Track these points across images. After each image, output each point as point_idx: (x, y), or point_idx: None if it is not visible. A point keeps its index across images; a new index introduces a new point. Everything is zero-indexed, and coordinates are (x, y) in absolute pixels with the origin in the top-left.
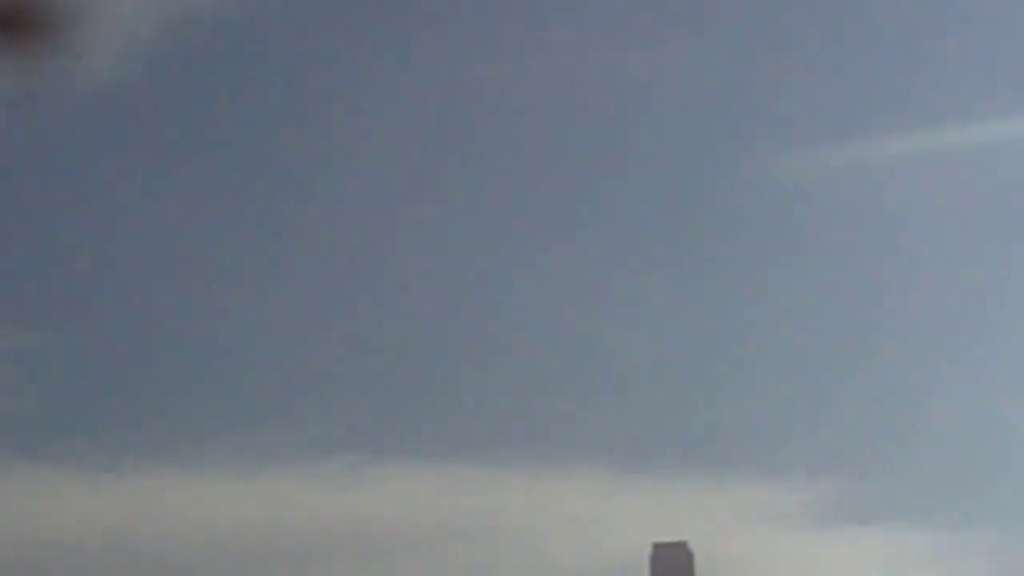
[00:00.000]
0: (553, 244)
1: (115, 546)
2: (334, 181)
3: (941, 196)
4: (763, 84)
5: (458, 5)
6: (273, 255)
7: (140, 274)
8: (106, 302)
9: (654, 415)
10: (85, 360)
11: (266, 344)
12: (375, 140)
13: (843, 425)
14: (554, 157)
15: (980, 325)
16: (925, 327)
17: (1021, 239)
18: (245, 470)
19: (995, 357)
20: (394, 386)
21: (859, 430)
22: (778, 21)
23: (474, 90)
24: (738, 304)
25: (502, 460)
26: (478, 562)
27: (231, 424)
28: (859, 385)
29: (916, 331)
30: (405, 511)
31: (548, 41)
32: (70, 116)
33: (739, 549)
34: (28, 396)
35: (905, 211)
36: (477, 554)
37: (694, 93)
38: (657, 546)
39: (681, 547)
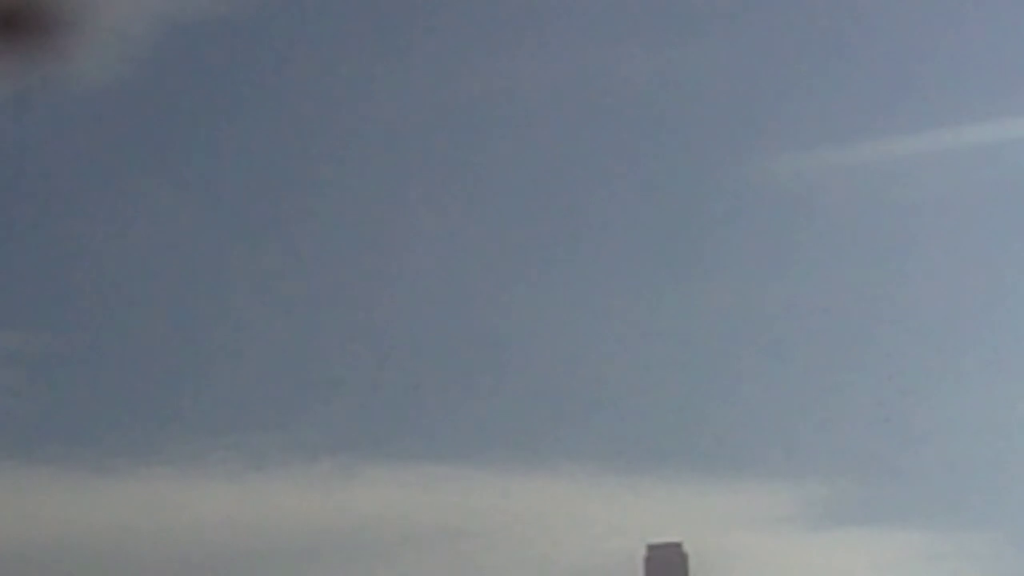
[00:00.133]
0: (551, 246)
1: (108, 548)
2: (332, 183)
3: (946, 196)
4: (763, 86)
5: (463, 4)
6: (267, 258)
7: (135, 276)
8: (100, 304)
9: (649, 417)
10: (78, 362)
11: (260, 346)
12: (376, 141)
13: (838, 427)
14: (554, 159)
15: (980, 326)
16: (922, 329)
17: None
18: (238, 471)
19: (993, 358)
20: (387, 387)
21: (855, 432)
22: (779, 22)
23: (474, 93)
24: (734, 306)
25: (495, 461)
26: (471, 563)
27: (225, 426)
28: (855, 387)
29: (912, 333)
30: (398, 512)
31: (546, 43)
32: (66, 118)
33: (734, 550)
34: (21, 398)
35: (908, 212)
36: (470, 555)
37: (693, 95)
38: (651, 547)
39: (675, 548)
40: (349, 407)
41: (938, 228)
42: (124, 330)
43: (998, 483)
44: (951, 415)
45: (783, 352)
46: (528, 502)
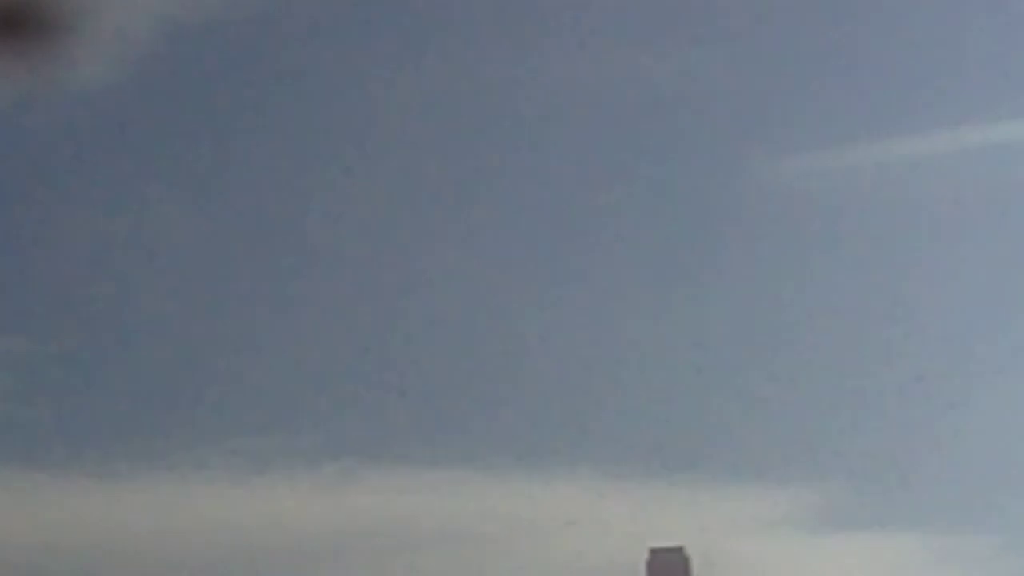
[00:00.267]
0: (556, 249)
1: (111, 552)
2: (338, 185)
3: (952, 198)
4: (768, 87)
5: (466, 5)
6: (271, 261)
7: (135, 280)
8: (103, 309)
9: (650, 421)
10: (80, 367)
11: (264, 350)
12: (384, 142)
13: (841, 431)
14: (561, 161)
15: (985, 329)
16: (927, 331)
17: None
18: (241, 476)
19: (997, 361)
20: (389, 391)
21: (858, 435)
22: (785, 24)
23: (479, 95)
24: (738, 308)
25: (497, 465)
26: (473, 566)
27: (227, 430)
28: (858, 390)
29: (917, 336)
30: (400, 517)
31: (553, 46)
32: (67, 120)
33: (736, 554)
34: (21, 402)
35: (914, 214)
36: (472, 558)
37: (701, 97)
38: (654, 551)
39: (678, 552)
40: (353, 412)
41: (947, 229)
42: (127, 335)
43: (1000, 487)
44: (953, 418)
45: (786, 356)
46: (530, 506)
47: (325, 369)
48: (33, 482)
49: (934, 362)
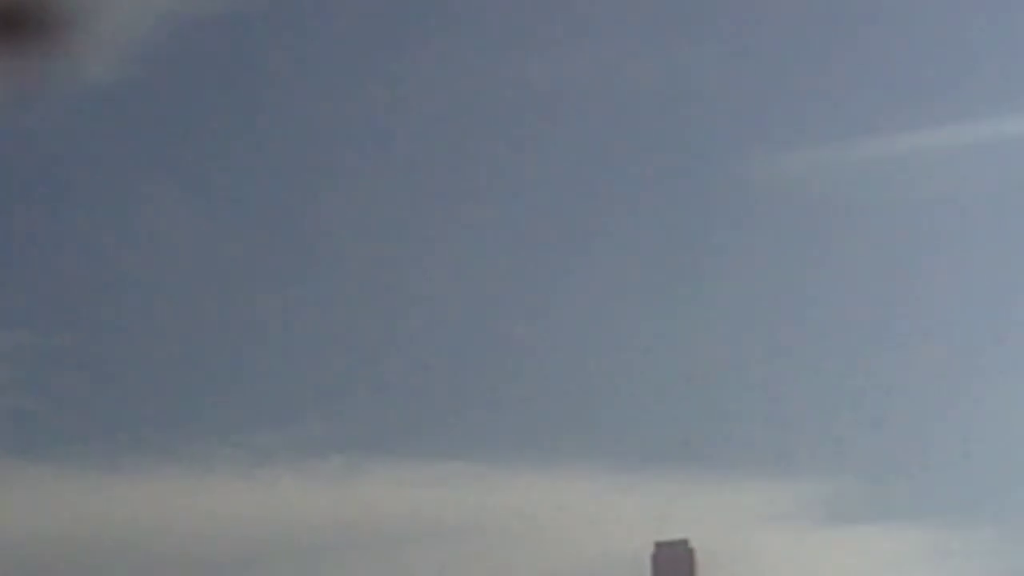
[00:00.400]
0: (558, 245)
1: (115, 545)
2: (344, 181)
3: (956, 193)
4: (765, 83)
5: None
6: (275, 256)
7: (139, 274)
8: (108, 303)
9: (655, 414)
10: (85, 360)
11: (268, 343)
12: (389, 139)
13: (845, 424)
14: (562, 158)
15: (989, 325)
16: (930, 327)
17: None
18: (246, 469)
19: (999, 356)
20: (391, 384)
21: (861, 429)
22: (784, 18)
23: (482, 91)
24: (743, 304)
25: (501, 458)
26: (477, 560)
27: (232, 423)
28: (862, 385)
29: (920, 331)
30: (405, 510)
31: (554, 42)
32: (71, 117)
33: (741, 547)
34: (25, 395)
35: (918, 210)
36: (476, 552)
37: (703, 91)
38: (659, 544)
39: (682, 545)
40: (358, 404)
41: (951, 225)
42: (132, 328)
43: (1006, 480)
44: (958, 412)
45: (790, 351)
46: (535, 499)
47: (329, 362)
48: (37, 475)
49: (938, 357)
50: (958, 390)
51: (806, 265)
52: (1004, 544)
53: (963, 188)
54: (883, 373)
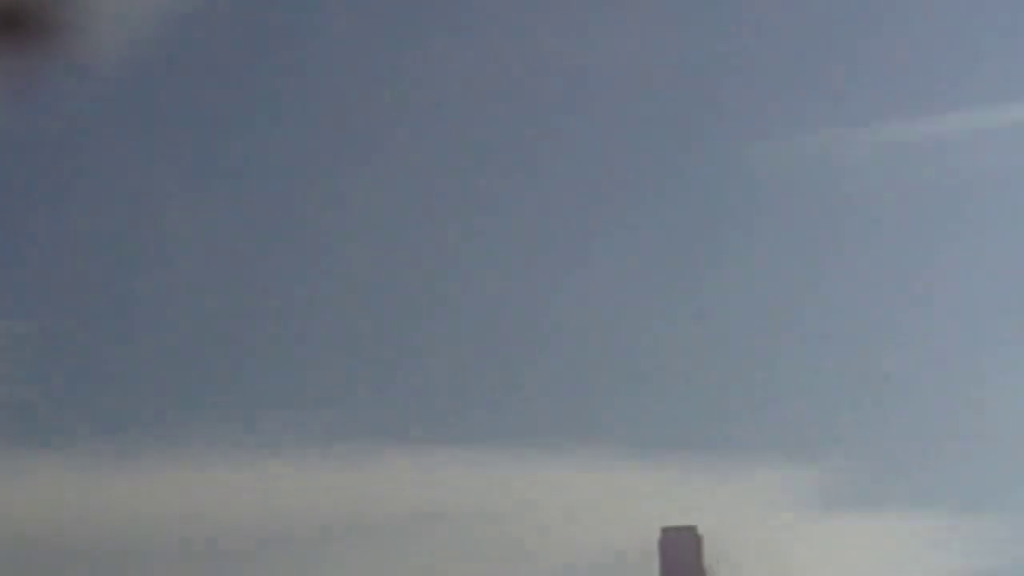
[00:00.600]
0: (563, 231)
1: (124, 532)
2: (356, 169)
3: (958, 179)
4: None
5: None
6: (284, 243)
7: (144, 263)
8: (118, 291)
9: (663, 400)
10: (89, 349)
11: (277, 331)
12: (403, 127)
13: (852, 410)
14: (573, 144)
15: (992, 313)
16: (936, 313)
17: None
18: (248, 458)
19: (1003, 344)
20: (405, 372)
21: (868, 415)
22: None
23: (492, 79)
24: (749, 291)
25: (510, 444)
26: (485, 545)
27: (241, 410)
28: (868, 370)
29: (926, 318)
30: (410, 498)
31: (555, 29)
32: (74, 108)
33: (748, 533)
34: (31, 385)
35: (926, 196)
36: (485, 537)
37: (717, 74)
38: (666, 530)
39: (690, 531)
40: (367, 391)
41: (960, 212)
42: (141, 317)
43: (1010, 469)
44: (963, 399)
45: (796, 339)
46: (543, 485)
47: (339, 349)
48: (47, 464)
49: (943, 346)
50: (963, 380)
51: (820, 250)
52: (1007, 532)
53: (975, 174)
54: (888, 362)
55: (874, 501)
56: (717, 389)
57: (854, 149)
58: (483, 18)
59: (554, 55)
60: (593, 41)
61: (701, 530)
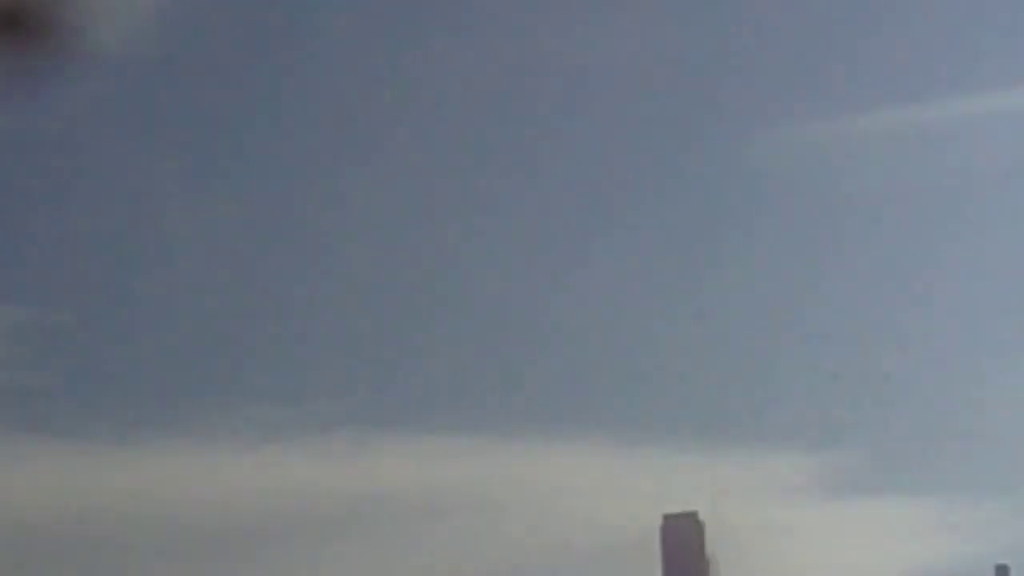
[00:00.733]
0: (563, 224)
1: (127, 517)
2: (360, 159)
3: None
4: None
5: None
6: (284, 234)
7: (145, 260)
8: (122, 281)
9: (665, 389)
10: (95, 336)
11: (276, 320)
12: (408, 117)
13: (853, 397)
14: (582, 141)
15: (999, 305)
16: (940, 304)
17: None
18: (256, 443)
19: (1011, 335)
20: (399, 360)
21: (869, 402)
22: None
23: (497, 73)
24: (755, 278)
25: (512, 431)
26: (488, 531)
27: (242, 398)
28: (874, 360)
29: (930, 308)
30: (413, 481)
31: (557, 28)
32: (71, 109)
33: (750, 519)
34: (37, 371)
35: (931, 183)
36: (487, 523)
37: (724, 68)
38: (668, 517)
39: (692, 517)
40: (367, 379)
41: (958, 199)
42: (143, 312)
43: (1013, 454)
44: (966, 388)
45: (803, 327)
46: (546, 473)
47: (339, 338)
48: (51, 450)
49: (951, 335)
50: (969, 367)
51: (822, 240)
52: (1010, 516)
53: (982, 160)
54: (893, 349)
55: (877, 487)
56: (721, 377)
57: (853, 140)
58: (483, 18)
59: (554, 55)
60: (593, 41)
61: (703, 517)
